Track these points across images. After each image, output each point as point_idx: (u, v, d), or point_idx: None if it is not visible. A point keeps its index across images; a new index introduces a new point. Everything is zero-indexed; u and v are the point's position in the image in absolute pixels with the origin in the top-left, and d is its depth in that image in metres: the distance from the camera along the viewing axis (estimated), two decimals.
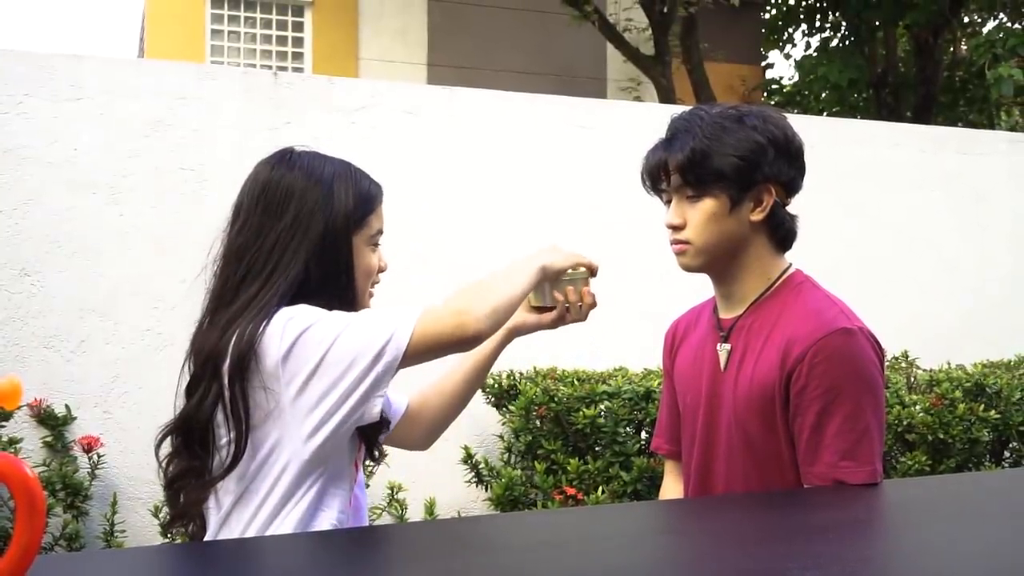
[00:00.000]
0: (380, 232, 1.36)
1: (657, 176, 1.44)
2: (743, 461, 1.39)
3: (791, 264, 1.47)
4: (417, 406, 1.55)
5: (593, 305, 1.48)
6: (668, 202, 1.45)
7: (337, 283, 1.27)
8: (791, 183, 1.42)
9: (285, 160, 1.29)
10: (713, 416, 1.43)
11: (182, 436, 1.25)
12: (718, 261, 1.42)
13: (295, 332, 1.19)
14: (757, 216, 1.40)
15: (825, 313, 1.36)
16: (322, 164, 1.29)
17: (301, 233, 1.24)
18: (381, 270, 1.37)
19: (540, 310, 1.50)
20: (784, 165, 1.40)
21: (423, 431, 1.56)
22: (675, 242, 1.43)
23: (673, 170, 1.41)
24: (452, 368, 1.55)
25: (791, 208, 1.44)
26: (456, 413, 1.57)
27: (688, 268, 1.45)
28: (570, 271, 1.46)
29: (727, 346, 1.43)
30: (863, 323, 1.38)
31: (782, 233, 1.44)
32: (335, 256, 1.27)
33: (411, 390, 1.58)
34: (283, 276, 1.23)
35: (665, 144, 1.43)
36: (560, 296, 1.46)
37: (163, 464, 1.27)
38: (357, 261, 1.30)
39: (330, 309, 1.24)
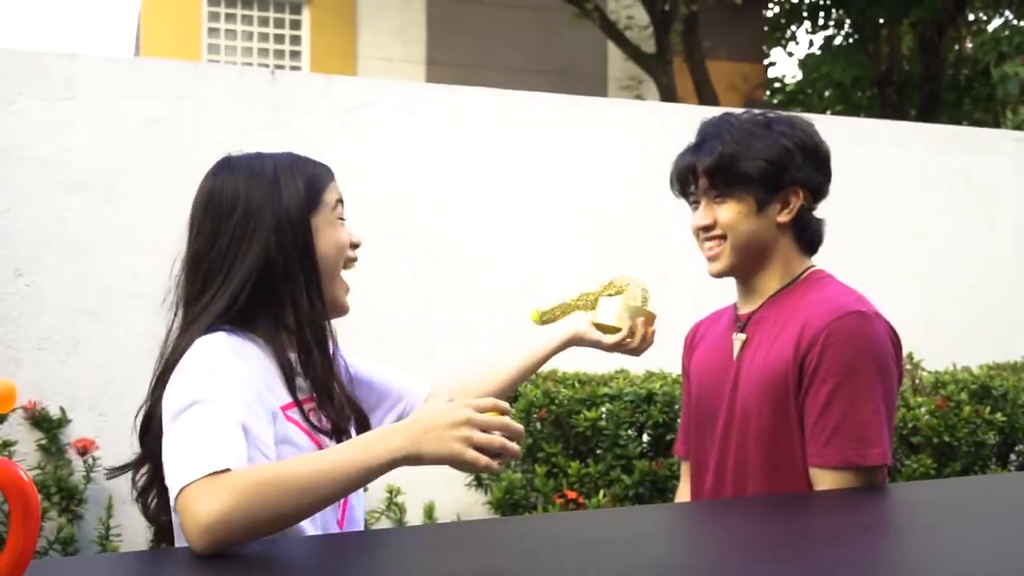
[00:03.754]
0: (340, 203, 1.33)
1: (686, 180, 1.48)
2: (756, 447, 1.40)
3: (814, 264, 1.51)
4: (448, 395, 1.48)
5: (651, 344, 1.49)
6: (695, 204, 1.49)
7: (301, 267, 1.24)
8: (818, 188, 1.48)
9: (225, 166, 1.29)
10: (728, 405, 1.45)
11: (145, 446, 1.26)
12: (747, 262, 1.46)
13: (173, 379, 1.15)
14: (784, 218, 1.45)
15: (841, 298, 1.41)
16: (262, 161, 1.29)
17: (252, 228, 1.23)
18: (355, 245, 1.32)
19: (602, 328, 1.47)
20: (812, 170, 1.46)
21: None
22: (708, 240, 1.47)
23: (701, 174, 1.45)
24: (500, 364, 1.51)
25: (818, 213, 1.49)
26: None
27: (720, 272, 1.48)
28: (640, 301, 1.45)
29: (742, 336, 1.47)
30: (878, 311, 1.41)
31: (809, 236, 1.48)
32: (293, 242, 1.24)
33: (444, 378, 1.54)
34: (235, 278, 1.22)
35: (694, 149, 1.47)
36: (628, 320, 1.45)
37: (135, 475, 1.28)
38: (321, 241, 1.27)
39: (300, 295, 1.23)
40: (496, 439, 1.04)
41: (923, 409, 3.07)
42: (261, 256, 1.22)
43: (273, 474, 1.03)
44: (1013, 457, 3.30)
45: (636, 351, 1.48)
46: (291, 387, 1.22)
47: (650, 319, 1.48)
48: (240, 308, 1.21)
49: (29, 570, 0.74)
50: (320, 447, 1.22)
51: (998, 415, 3.08)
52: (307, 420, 1.23)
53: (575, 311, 1.52)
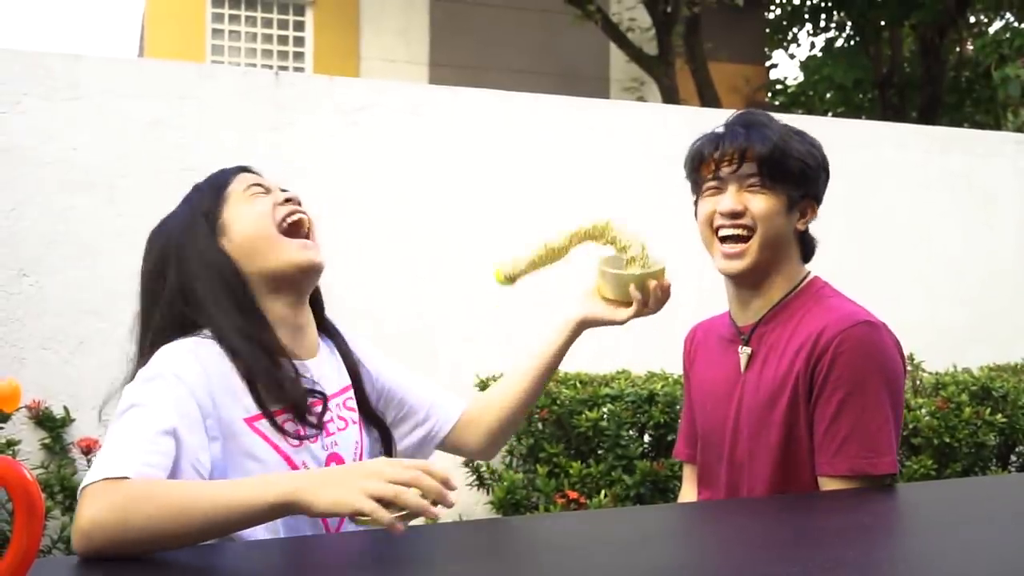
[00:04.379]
0: (256, 186, 1.27)
1: (732, 160, 1.39)
2: (766, 463, 1.39)
3: (810, 272, 1.50)
4: (477, 411, 1.45)
5: (669, 296, 1.36)
6: (715, 190, 1.43)
7: (208, 280, 1.23)
8: (819, 205, 1.49)
9: (148, 242, 1.35)
10: (735, 420, 1.44)
11: None
12: (766, 263, 1.42)
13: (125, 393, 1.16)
14: (801, 226, 1.45)
15: (848, 307, 1.40)
16: (167, 216, 1.33)
17: (160, 268, 1.28)
18: (287, 200, 1.26)
19: (612, 301, 1.37)
20: (824, 187, 1.47)
21: (484, 437, 1.45)
22: (732, 231, 1.40)
23: (752, 158, 1.39)
24: (515, 371, 1.44)
25: (820, 212, 1.51)
26: (520, 418, 1.46)
27: (742, 270, 1.41)
28: (650, 262, 1.31)
29: (748, 349, 1.44)
30: (882, 321, 1.41)
31: (810, 248, 1.49)
32: (195, 256, 1.24)
33: (470, 398, 1.50)
34: (155, 316, 1.26)
35: (744, 132, 1.40)
36: (638, 294, 1.34)
37: None
38: (236, 226, 1.24)
39: (214, 311, 1.21)
40: (392, 489, 0.94)
41: (924, 410, 3.07)
42: (173, 287, 1.25)
43: (155, 492, 0.99)
44: (1013, 458, 3.30)
45: (653, 310, 1.37)
46: (256, 397, 1.17)
47: (660, 274, 1.33)
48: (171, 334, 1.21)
49: (33, 569, 0.74)
50: (290, 460, 1.17)
51: (998, 416, 3.08)
52: (280, 430, 1.17)
53: (547, 264, 1.38)
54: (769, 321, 1.44)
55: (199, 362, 1.15)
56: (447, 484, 0.97)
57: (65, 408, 3.11)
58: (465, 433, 1.44)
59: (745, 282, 1.45)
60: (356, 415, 1.32)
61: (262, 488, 0.99)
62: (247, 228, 1.24)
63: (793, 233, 1.44)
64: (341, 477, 0.98)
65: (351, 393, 1.33)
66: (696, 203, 1.50)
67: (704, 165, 1.44)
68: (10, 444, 2.91)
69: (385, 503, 0.94)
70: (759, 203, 1.39)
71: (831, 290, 1.47)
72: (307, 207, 1.31)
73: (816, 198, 1.46)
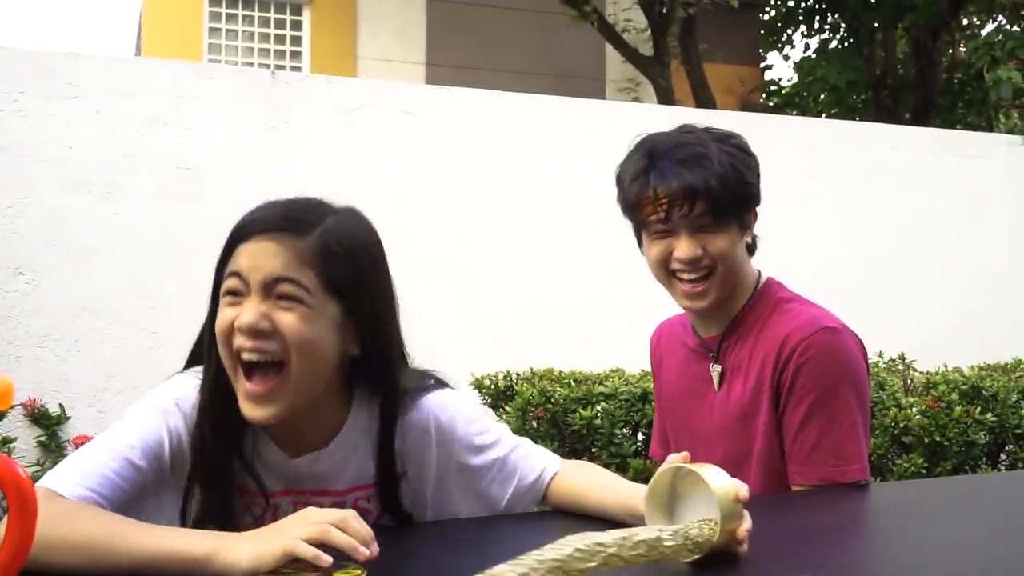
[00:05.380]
0: (236, 275, 1.04)
1: (680, 204, 1.30)
2: (751, 470, 1.38)
3: (759, 271, 1.46)
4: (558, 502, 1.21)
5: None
6: (662, 235, 1.34)
7: (209, 347, 1.09)
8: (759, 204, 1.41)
9: None
10: (710, 434, 1.42)
11: None
12: (729, 291, 1.37)
13: None
14: (749, 238, 1.40)
15: (807, 313, 1.38)
16: None
17: None
18: (239, 329, 1.02)
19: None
20: (760, 183, 1.39)
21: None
22: (691, 274, 1.33)
23: (701, 197, 1.29)
24: (606, 497, 1.15)
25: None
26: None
27: (707, 307, 1.36)
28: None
29: (718, 367, 1.42)
30: (843, 323, 1.38)
31: (753, 244, 1.43)
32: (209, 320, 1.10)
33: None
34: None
35: (687, 171, 1.29)
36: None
37: None
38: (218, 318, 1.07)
39: (207, 374, 1.10)
40: (319, 528, 0.88)
41: (914, 409, 3.09)
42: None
43: (80, 515, 0.94)
44: (1003, 457, 3.32)
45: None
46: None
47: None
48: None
49: (25, 566, 0.74)
50: None
51: (988, 415, 3.10)
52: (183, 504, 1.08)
53: None
54: (731, 334, 1.41)
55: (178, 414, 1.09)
56: (370, 538, 0.90)
57: (60, 406, 3.12)
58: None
59: (708, 310, 1.40)
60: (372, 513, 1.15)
61: (179, 537, 0.93)
62: (217, 335, 1.07)
63: (744, 247, 1.39)
64: (267, 531, 0.92)
65: (371, 492, 1.15)
66: (639, 239, 1.41)
67: (645, 208, 1.33)
68: (5, 442, 2.92)
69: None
70: (717, 244, 1.32)
71: (787, 292, 1.43)
72: (283, 322, 1.03)
73: (757, 203, 1.39)
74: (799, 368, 1.32)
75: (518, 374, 3.31)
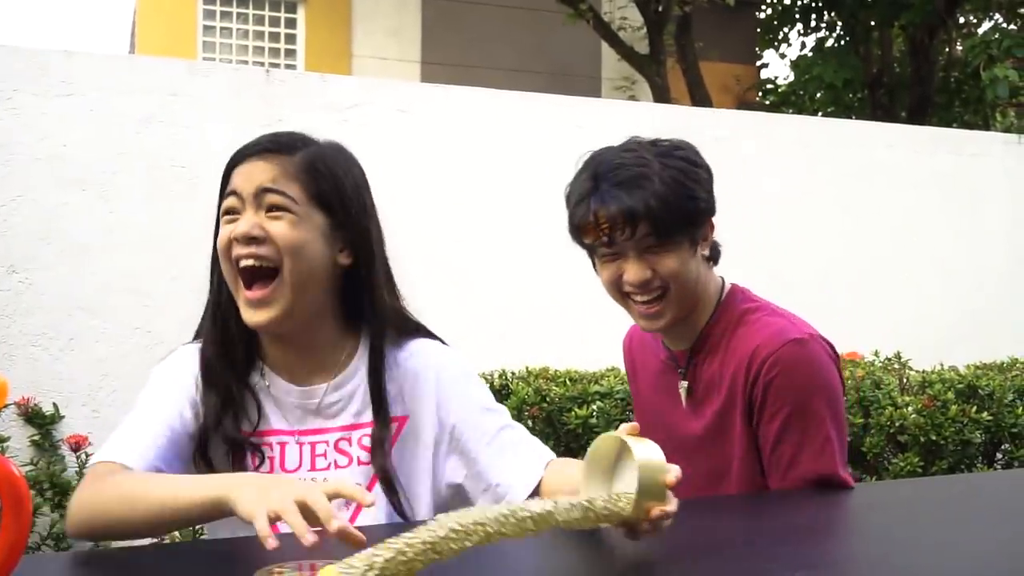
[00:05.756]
0: (234, 194, 1.13)
1: (622, 228, 1.27)
2: (731, 481, 1.37)
3: (722, 278, 1.44)
4: (553, 489, 1.20)
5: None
6: (611, 257, 1.32)
7: (210, 282, 1.20)
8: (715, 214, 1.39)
9: None
10: (686, 449, 1.38)
11: None
12: (686, 307, 1.36)
13: None
14: (705, 250, 1.37)
15: (773, 324, 1.35)
16: None
17: None
18: (235, 239, 1.11)
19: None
20: (713, 192, 1.36)
21: None
22: (643, 295, 1.31)
23: (642, 219, 1.26)
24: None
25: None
26: None
27: (663, 328, 1.36)
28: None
29: (685, 383, 1.41)
30: (813, 328, 1.36)
31: (715, 253, 1.41)
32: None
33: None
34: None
35: (627, 193, 1.26)
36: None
37: None
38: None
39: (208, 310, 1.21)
40: (286, 506, 0.87)
41: (910, 408, 3.10)
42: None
43: (123, 480, 1.03)
44: (999, 456, 3.33)
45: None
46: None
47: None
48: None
49: (21, 565, 0.74)
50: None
51: (984, 414, 3.11)
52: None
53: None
54: (700, 350, 1.39)
55: (188, 370, 1.19)
56: (345, 532, 0.87)
57: (55, 405, 3.11)
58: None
59: (668, 328, 1.39)
60: (369, 455, 1.17)
61: (201, 485, 0.98)
62: (218, 252, 1.16)
63: (701, 260, 1.36)
64: (268, 483, 0.94)
65: (369, 431, 1.18)
66: (592, 260, 1.40)
67: (589, 232, 1.31)
68: None
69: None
70: (666, 264, 1.30)
71: (752, 300, 1.41)
72: (281, 229, 1.12)
73: (711, 215, 1.35)
74: (768, 384, 1.30)
75: (513, 373, 3.31)
